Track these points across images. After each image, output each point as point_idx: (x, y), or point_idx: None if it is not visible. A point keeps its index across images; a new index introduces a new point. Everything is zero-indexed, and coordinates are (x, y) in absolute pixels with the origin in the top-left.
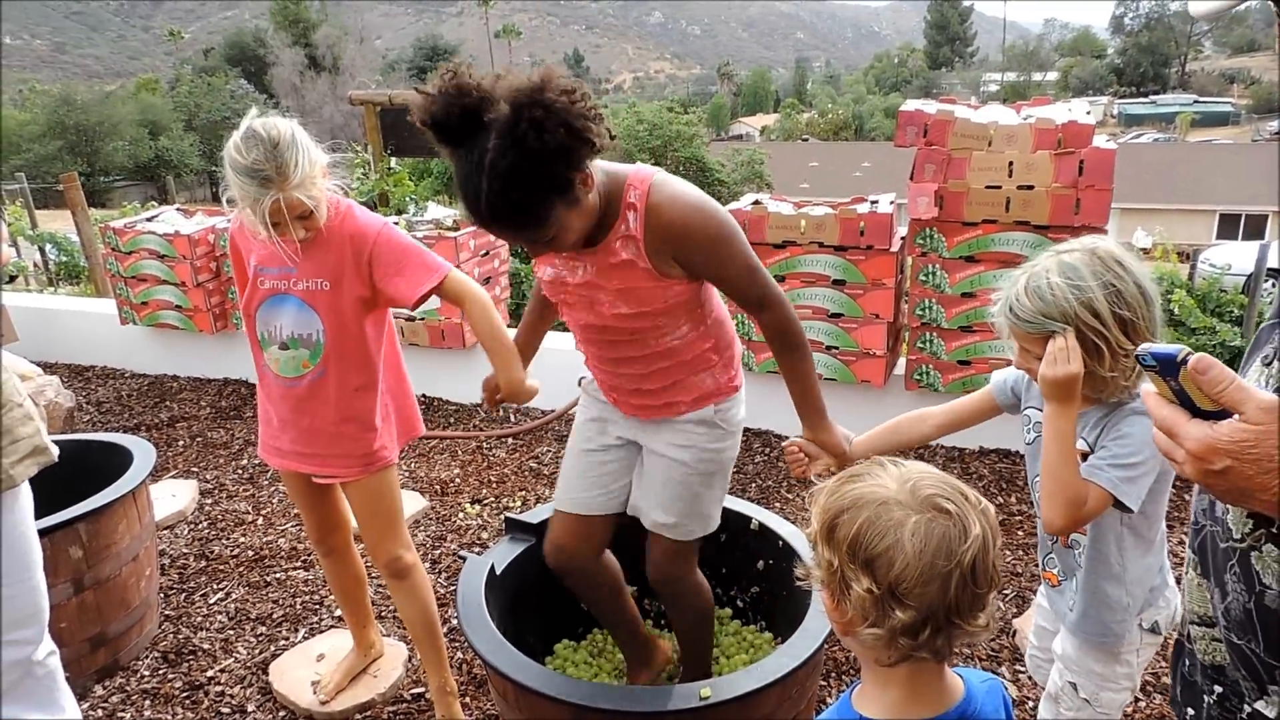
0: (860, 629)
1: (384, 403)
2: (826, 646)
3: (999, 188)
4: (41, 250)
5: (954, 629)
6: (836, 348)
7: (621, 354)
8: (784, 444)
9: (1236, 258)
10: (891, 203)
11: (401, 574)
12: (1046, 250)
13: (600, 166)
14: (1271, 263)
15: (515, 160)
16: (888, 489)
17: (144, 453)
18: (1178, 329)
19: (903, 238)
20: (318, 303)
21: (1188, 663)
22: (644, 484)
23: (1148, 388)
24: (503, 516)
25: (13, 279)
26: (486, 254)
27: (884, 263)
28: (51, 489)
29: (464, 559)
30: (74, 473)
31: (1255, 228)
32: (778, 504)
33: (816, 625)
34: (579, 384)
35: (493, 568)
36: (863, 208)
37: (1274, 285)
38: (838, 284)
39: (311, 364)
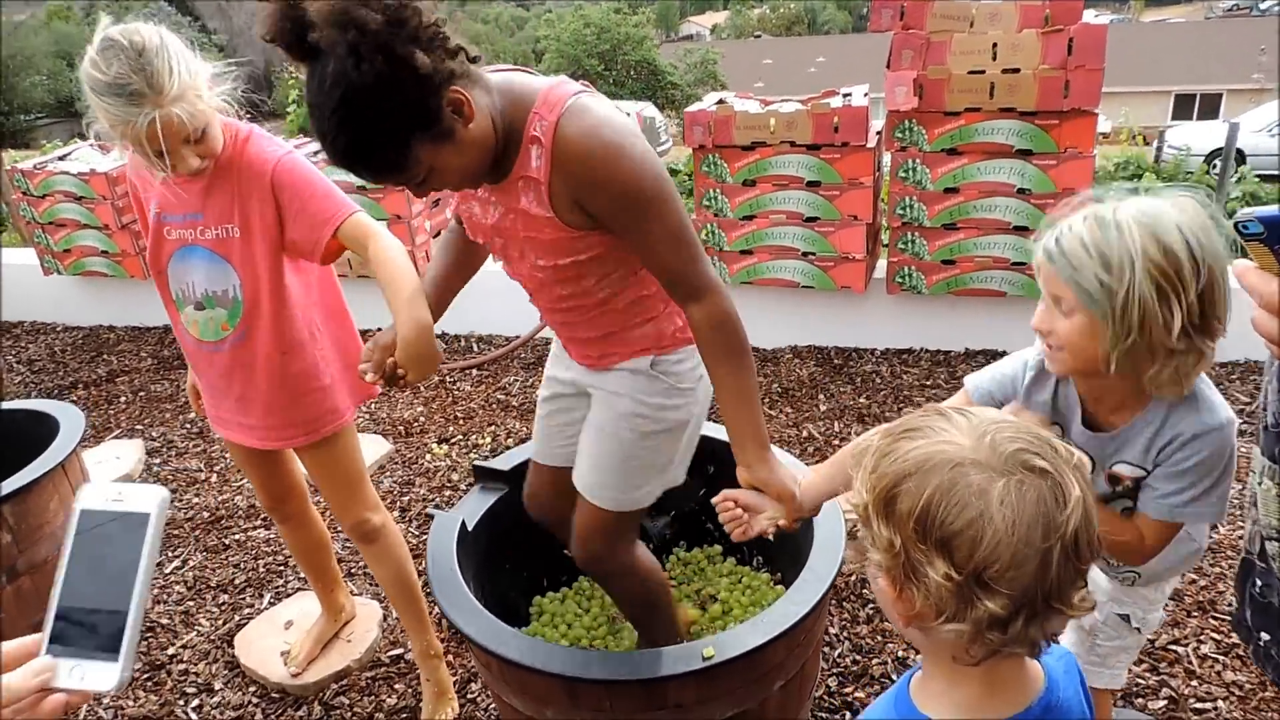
0: (935, 624)
1: (328, 360)
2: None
3: (982, 72)
4: None
5: (1052, 613)
6: (813, 253)
7: (550, 303)
8: (715, 499)
9: (1195, 138)
10: (865, 95)
11: (370, 537)
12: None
13: (502, 85)
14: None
15: (346, 94)
16: (959, 445)
17: (71, 419)
18: None
19: (879, 132)
20: (230, 253)
21: (1260, 583)
22: (582, 438)
23: (1242, 263)
24: (471, 464)
25: None
26: (437, 203)
27: (860, 160)
28: None
29: (431, 516)
30: (3, 444)
31: (1209, 107)
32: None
33: (822, 565)
34: None
35: (463, 524)
36: (835, 101)
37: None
38: (812, 185)
39: (231, 325)
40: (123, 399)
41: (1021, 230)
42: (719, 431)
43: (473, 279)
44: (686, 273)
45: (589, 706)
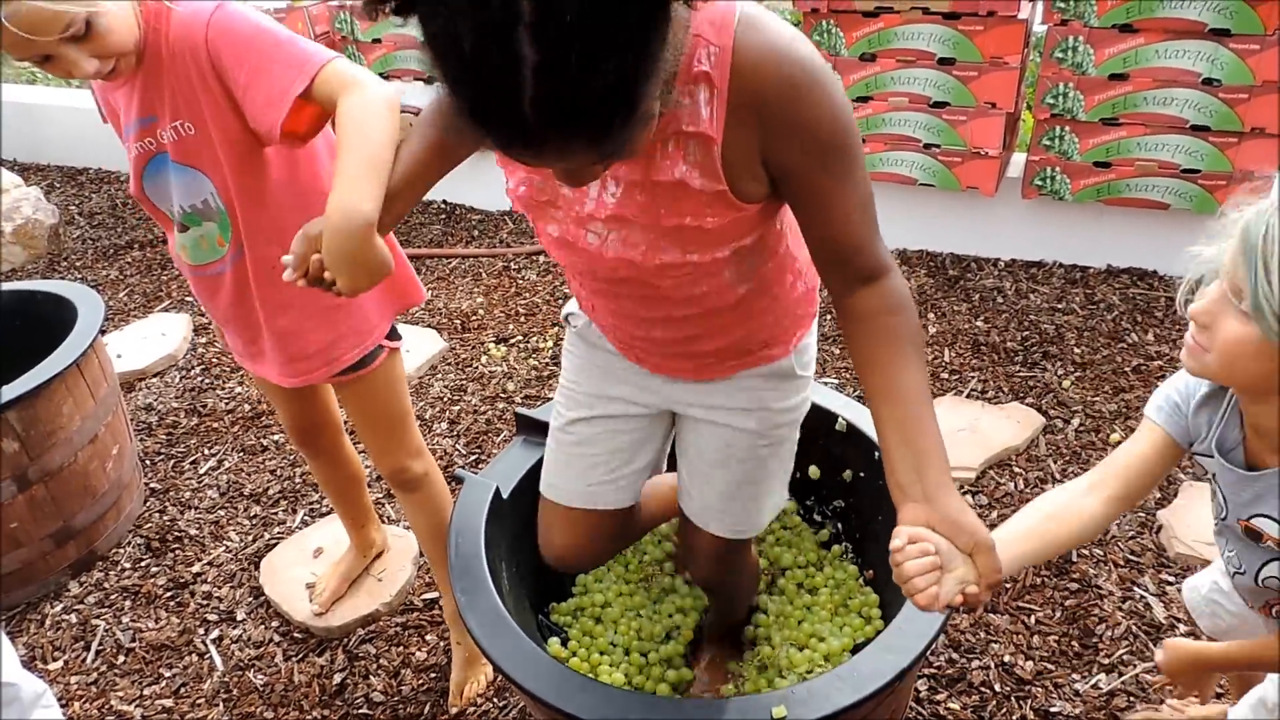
0: None
1: None
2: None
3: None
4: None
5: None
6: (937, 145)
7: (650, 313)
8: (893, 551)
9: None
10: None
11: (410, 486)
12: None
13: None
14: None
15: None
16: None
17: (90, 306)
18: None
19: None
20: (192, 156)
21: None
22: (690, 462)
23: None
24: (514, 412)
25: None
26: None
27: (1009, 34)
28: None
29: (460, 479)
30: (22, 329)
31: None
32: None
33: None
34: (564, 321)
35: (497, 492)
36: None
37: None
38: (945, 63)
39: (226, 239)
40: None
41: (1201, 130)
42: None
43: None
44: (872, 246)
45: None
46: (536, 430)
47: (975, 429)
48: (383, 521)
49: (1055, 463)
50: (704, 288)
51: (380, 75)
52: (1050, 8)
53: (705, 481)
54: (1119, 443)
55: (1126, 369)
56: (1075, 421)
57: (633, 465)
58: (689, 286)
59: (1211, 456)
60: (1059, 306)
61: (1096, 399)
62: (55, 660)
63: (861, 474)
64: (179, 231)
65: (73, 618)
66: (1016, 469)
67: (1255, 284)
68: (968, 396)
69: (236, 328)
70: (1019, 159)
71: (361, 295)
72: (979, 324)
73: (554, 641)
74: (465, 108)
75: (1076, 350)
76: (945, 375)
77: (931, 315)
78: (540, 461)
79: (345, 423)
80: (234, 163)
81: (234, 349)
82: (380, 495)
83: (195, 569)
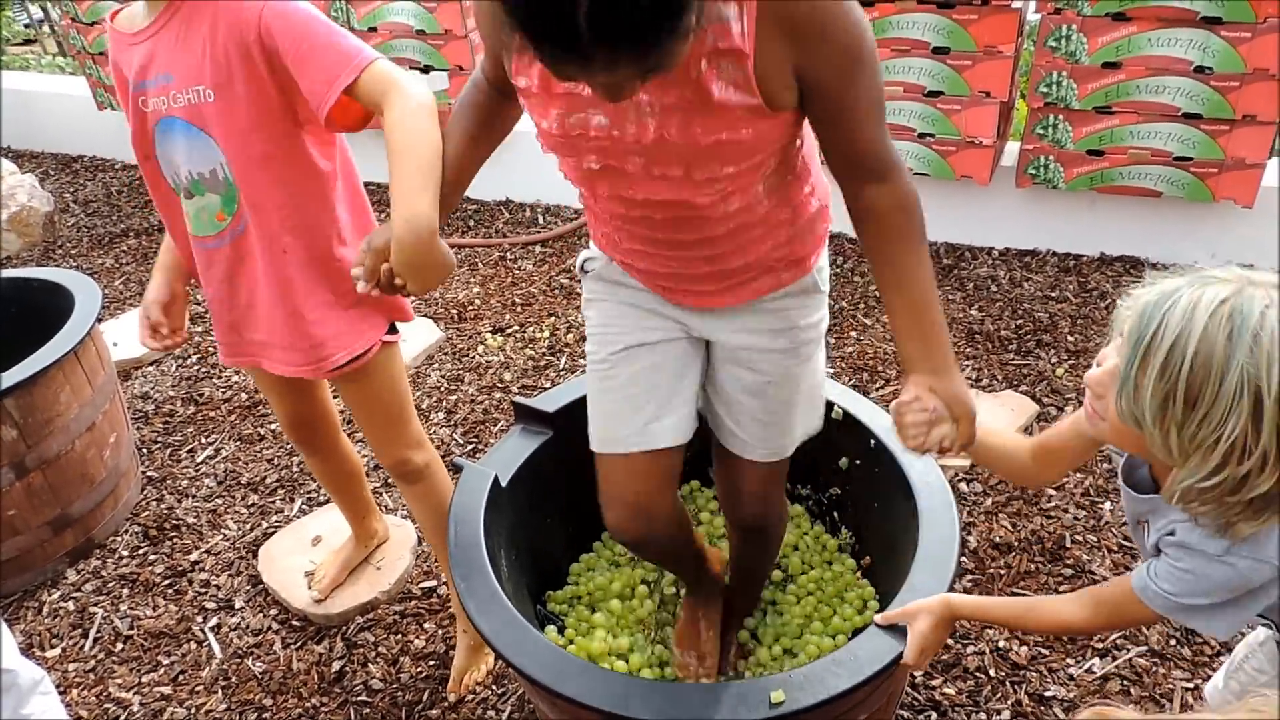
0: None
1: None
2: None
3: None
4: (45, 10)
5: None
6: (932, 135)
7: (685, 235)
8: (898, 402)
9: None
10: None
11: (412, 478)
12: (1186, 279)
13: None
14: None
15: None
16: None
17: (87, 294)
18: None
19: None
20: (207, 122)
21: None
22: (724, 395)
23: None
24: (511, 401)
25: (29, 42)
26: None
27: (1003, 23)
28: None
29: (459, 468)
30: (18, 317)
31: None
32: (854, 331)
33: (927, 580)
34: (580, 269)
35: (496, 480)
36: None
37: None
38: (939, 52)
39: (228, 214)
40: None
41: (1193, 118)
42: None
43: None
44: (883, 147)
45: None
46: (534, 419)
47: None
48: (381, 511)
49: None
50: (737, 203)
51: (370, 29)
52: None
53: (743, 411)
54: None
55: None
56: (1069, 409)
57: (680, 393)
58: (724, 204)
59: (1121, 456)
60: (1052, 295)
61: None
62: (53, 648)
63: (857, 461)
64: (185, 198)
65: (70, 605)
66: None
67: (1124, 377)
68: None
69: (223, 309)
70: (1013, 148)
71: (354, 309)
72: (973, 312)
73: (550, 630)
74: (519, 24)
75: (1070, 338)
76: None
77: None
78: (539, 449)
79: (343, 414)
80: (265, 133)
81: (222, 342)
82: (378, 484)
83: (193, 557)
